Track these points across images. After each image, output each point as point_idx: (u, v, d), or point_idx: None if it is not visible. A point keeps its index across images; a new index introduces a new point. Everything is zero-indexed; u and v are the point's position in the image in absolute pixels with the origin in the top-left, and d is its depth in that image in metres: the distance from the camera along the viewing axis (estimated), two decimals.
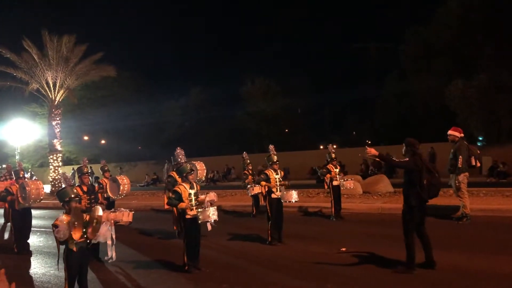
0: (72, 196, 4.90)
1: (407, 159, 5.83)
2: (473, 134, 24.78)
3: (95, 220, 4.70)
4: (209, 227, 6.47)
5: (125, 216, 6.58)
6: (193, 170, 6.65)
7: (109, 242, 6.93)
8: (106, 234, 4.74)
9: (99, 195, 7.84)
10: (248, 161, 12.43)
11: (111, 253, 7.14)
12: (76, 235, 4.62)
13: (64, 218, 4.76)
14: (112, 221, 6.54)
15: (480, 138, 24.19)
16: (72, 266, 4.83)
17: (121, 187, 8.93)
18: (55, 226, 4.74)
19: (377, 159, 5.96)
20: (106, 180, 9.58)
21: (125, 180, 9.15)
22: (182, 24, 74.61)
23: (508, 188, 12.78)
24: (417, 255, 5.77)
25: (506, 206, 10.23)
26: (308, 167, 26.90)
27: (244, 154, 12.73)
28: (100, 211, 4.75)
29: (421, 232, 5.84)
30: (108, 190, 9.17)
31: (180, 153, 7.29)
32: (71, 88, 23.75)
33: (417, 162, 5.71)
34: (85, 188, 7.21)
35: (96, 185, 8.99)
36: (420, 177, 5.64)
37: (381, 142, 34.73)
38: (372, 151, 5.83)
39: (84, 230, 4.70)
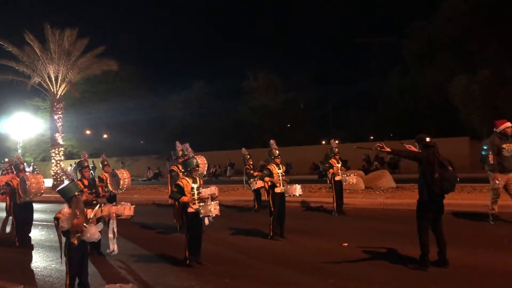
0: (76, 193, 4.87)
1: (420, 151, 5.73)
2: (476, 129, 24.67)
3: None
4: (206, 222, 6.44)
5: (127, 210, 6.54)
6: (198, 166, 6.62)
7: (110, 235, 6.91)
8: (94, 234, 4.71)
9: (100, 188, 7.81)
10: (248, 156, 12.41)
11: (113, 246, 7.12)
12: (78, 226, 4.60)
13: (66, 211, 4.74)
14: (114, 215, 6.51)
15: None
16: (73, 259, 4.81)
17: (121, 182, 8.90)
18: (57, 219, 4.72)
19: (390, 155, 5.94)
20: (106, 175, 9.55)
21: (125, 174, 9.11)
22: (185, 18, 74.44)
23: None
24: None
25: (509, 202, 10.13)
26: (310, 162, 26.87)
27: (243, 150, 12.71)
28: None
29: (436, 229, 5.69)
30: (108, 184, 9.14)
31: (185, 147, 7.28)
32: (73, 82, 23.73)
33: (429, 154, 5.58)
34: (86, 182, 7.19)
35: (97, 179, 8.97)
36: (431, 171, 5.48)
37: (384, 137, 34.67)
38: (385, 147, 5.87)
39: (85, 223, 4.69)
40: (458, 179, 5.63)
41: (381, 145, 5.90)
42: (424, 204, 5.67)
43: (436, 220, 5.71)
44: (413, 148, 5.96)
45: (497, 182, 8.19)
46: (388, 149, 5.86)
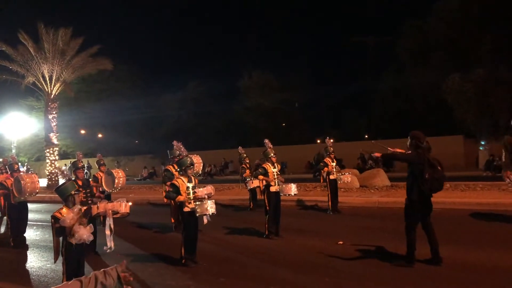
0: (73, 192, 4.87)
1: (410, 152, 5.78)
2: (470, 128, 24.79)
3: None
4: (205, 221, 6.46)
5: (123, 207, 6.54)
6: (192, 165, 6.62)
7: (107, 232, 6.91)
8: (82, 235, 4.68)
9: (94, 188, 7.80)
10: (245, 155, 12.43)
11: (110, 243, 7.11)
12: (80, 228, 4.60)
13: (65, 210, 4.73)
14: (110, 211, 6.51)
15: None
16: (70, 259, 4.81)
17: (116, 180, 8.89)
18: (54, 218, 4.71)
19: (382, 158, 6.12)
20: (101, 174, 9.54)
21: (120, 174, 9.10)
22: (180, 17, 74.17)
23: (504, 182, 12.81)
24: (422, 250, 5.73)
25: (503, 200, 10.26)
26: (305, 161, 26.95)
27: (240, 148, 12.73)
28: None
29: (427, 227, 5.75)
30: (103, 183, 9.13)
31: (179, 146, 7.27)
32: (67, 81, 23.60)
33: (419, 155, 5.65)
34: (80, 183, 7.18)
35: (91, 179, 8.96)
36: (421, 171, 5.55)
37: (379, 136, 34.73)
38: (376, 154, 6.24)
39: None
40: (446, 178, 5.75)
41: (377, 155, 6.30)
42: (413, 203, 5.74)
43: (425, 218, 5.79)
44: (377, 154, 6.23)
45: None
46: (379, 155, 6.16)
